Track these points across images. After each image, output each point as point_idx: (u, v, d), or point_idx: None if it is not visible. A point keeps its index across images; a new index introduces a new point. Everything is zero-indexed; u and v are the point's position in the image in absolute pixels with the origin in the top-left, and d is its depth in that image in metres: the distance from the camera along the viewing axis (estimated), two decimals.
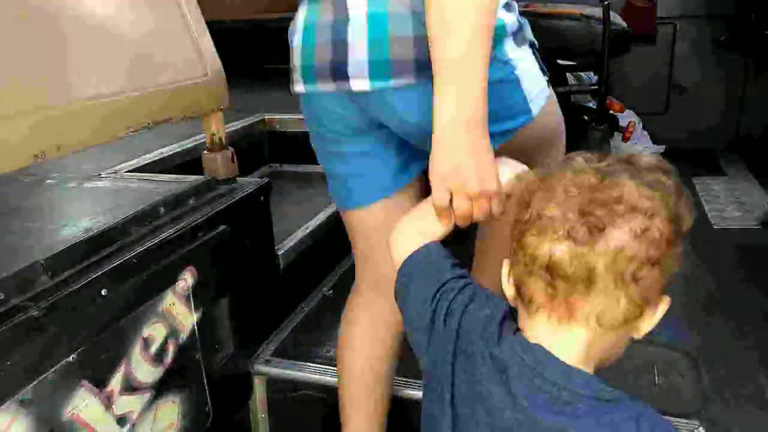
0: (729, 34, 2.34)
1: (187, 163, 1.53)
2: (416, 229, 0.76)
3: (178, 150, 1.55)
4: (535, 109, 0.91)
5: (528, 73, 0.90)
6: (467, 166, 0.72)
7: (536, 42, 0.95)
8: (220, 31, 1.28)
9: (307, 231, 1.50)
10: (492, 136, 0.76)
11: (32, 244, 0.94)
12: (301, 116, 1.90)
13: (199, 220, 1.08)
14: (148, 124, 1.03)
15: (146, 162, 1.44)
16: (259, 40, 2.92)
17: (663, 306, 0.60)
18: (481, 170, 0.73)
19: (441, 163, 0.73)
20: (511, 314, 0.65)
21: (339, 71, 0.83)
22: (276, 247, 1.37)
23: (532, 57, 0.92)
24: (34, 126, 0.84)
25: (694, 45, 2.44)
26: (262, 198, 1.28)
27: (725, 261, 1.73)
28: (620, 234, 0.56)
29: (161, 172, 1.41)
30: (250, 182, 1.27)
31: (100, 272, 0.87)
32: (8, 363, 0.73)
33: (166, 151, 1.53)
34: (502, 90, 0.86)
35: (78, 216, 1.05)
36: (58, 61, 0.91)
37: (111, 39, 1.02)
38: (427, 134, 0.74)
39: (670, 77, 2.45)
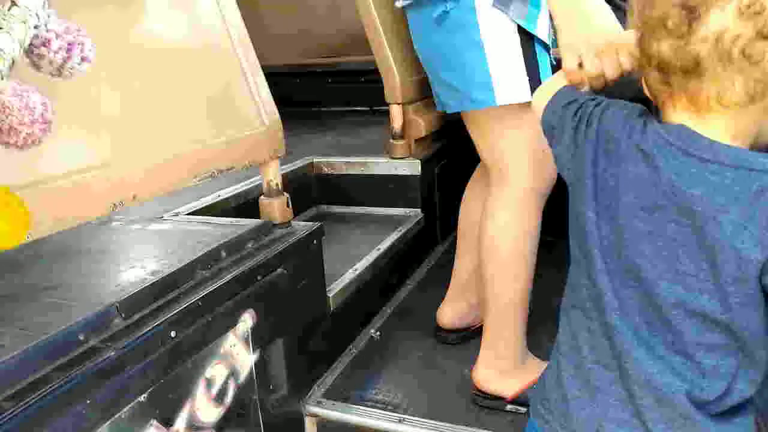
0: None
1: (244, 205, 1.60)
2: (553, 89, 0.83)
3: (235, 193, 1.61)
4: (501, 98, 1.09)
5: (499, 45, 1.08)
6: (587, 28, 0.85)
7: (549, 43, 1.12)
8: (270, 75, 1.34)
9: (356, 273, 1.53)
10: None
11: (104, 285, 1.00)
12: (347, 159, 1.98)
13: (258, 264, 1.13)
14: (213, 173, 1.09)
15: (205, 204, 1.50)
16: (306, 84, 3.05)
17: None
18: (601, 26, 0.85)
19: (566, 32, 0.87)
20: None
21: None
22: (327, 289, 1.41)
23: (517, 36, 1.10)
24: (113, 177, 0.91)
25: None
26: (315, 241, 1.32)
27: None
28: (718, 16, 0.59)
29: (220, 214, 1.47)
30: (303, 226, 1.32)
31: (169, 314, 0.92)
32: (87, 402, 0.78)
33: (224, 194, 1.60)
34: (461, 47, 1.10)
35: (145, 258, 1.11)
36: (135, 117, 0.98)
37: (181, 95, 1.09)
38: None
39: None
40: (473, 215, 1.37)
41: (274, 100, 1.29)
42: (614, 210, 0.69)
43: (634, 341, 0.69)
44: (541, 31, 1.13)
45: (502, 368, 1.25)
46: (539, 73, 1.11)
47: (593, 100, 0.76)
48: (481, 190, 1.37)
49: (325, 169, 2.03)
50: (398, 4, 1.27)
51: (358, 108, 2.96)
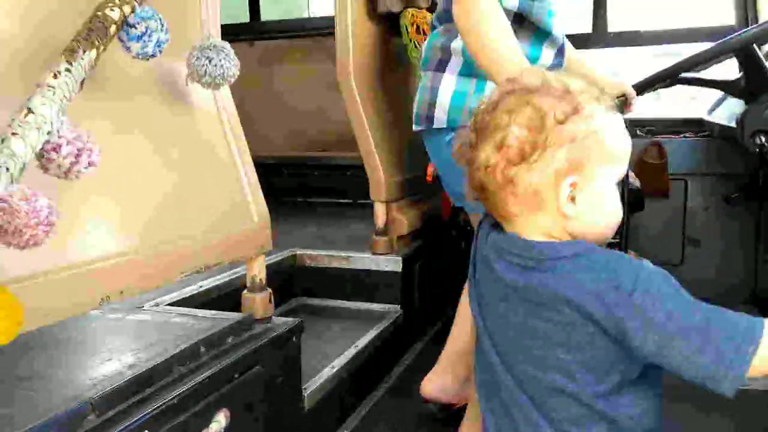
0: (739, 191, 2.45)
1: (226, 296, 1.60)
2: None
3: (217, 284, 1.62)
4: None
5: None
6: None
7: None
8: (258, 165, 1.38)
9: (333, 371, 1.52)
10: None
11: (79, 378, 0.99)
12: (329, 252, 2.00)
13: (236, 361, 1.13)
14: (200, 269, 1.11)
15: (187, 295, 1.51)
16: (292, 175, 3.13)
17: (564, 185, 0.73)
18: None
19: None
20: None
21: None
22: (303, 387, 1.39)
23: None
24: (101, 273, 0.92)
25: (705, 201, 2.55)
26: (294, 338, 1.32)
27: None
28: (484, 149, 0.75)
29: (201, 305, 1.47)
30: (283, 322, 1.33)
31: (145, 413, 0.91)
32: None
33: (206, 284, 1.60)
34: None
35: (122, 350, 1.10)
36: (128, 212, 1.01)
37: (174, 190, 1.13)
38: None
39: (684, 230, 2.54)
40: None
41: (261, 189, 1.33)
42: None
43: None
44: None
45: None
46: None
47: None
48: None
49: (308, 261, 2.05)
50: (415, 129, 1.46)
51: (342, 200, 3.03)
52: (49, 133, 0.72)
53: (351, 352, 1.62)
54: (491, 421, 0.84)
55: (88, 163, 0.74)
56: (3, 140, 0.67)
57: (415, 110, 1.44)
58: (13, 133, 0.68)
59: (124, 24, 0.87)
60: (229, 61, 1.05)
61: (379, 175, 1.95)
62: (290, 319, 1.34)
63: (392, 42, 2.17)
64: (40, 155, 0.72)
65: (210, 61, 1.03)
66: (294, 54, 3.14)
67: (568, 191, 0.73)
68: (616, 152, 0.76)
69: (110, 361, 1.04)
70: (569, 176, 0.72)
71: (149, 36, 0.88)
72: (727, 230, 2.51)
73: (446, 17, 1.35)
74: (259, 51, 3.18)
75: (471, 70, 1.32)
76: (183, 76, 1.08)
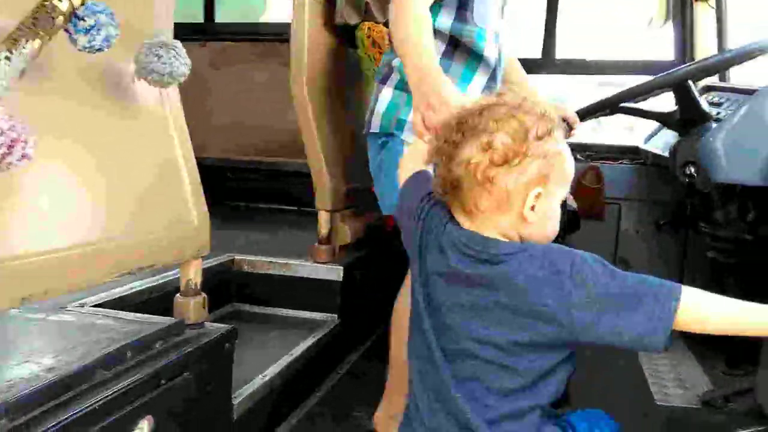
0: (669, 218, 2.57)
1: (157, 299, 1.55)
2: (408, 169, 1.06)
3: (149, 286, 1.57)
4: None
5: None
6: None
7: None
8: (203, 167, 1.35)
9: (265, 379, 1.50)
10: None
11: None
12: (269, 259, 1.97)
13: (164, 367, 1.09)
14: (133, 271, 1.07)
15: (115, 297, 1.45)
16: (237, 179, 3.08)
17: (531, 194, 0.83)
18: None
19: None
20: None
21: None
22: (232, 396, 1.36)
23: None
24: (22, 270, 0.88)
25: (637, 225, 2.66)
26: (227, 345, 1.29)
27: None
28: (468, 149, 0.83)
29: (130, 307, 1.42)
30: (216, 328, 1.29)
31: (62, 418, 0.87)
32: None
33: (137, 285, 1.55)
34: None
35: (41, 352, 1.05)
36: (57, 207, 0.96)
37: (110, 185, 1.08)
38: None
39: (616, 252, 2.64)
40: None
41: (204, 192, 1.30)
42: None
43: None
44: None
45: None
46: None
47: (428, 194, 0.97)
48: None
49: (246, 267, 2.02)
50: (364, 131, 1.58)
51: (287, 207, 3.00)
52: None
53: (285, 360, 1.60)
54: (419, 389, 0.92)
55: (22, 155, 0.71)
56: None
57: (366, 117, 1.58)
58: None
59: (73, 16, 0.83)
60: (179, 60, 1.03)
61: (325, 184, 1.95)
62: (223, 326, 1.31)
63: (347, 53, 2.17)
64: None
65: (159, 59, 1.01)
66: (246, 57, 3.10)
67: (533, 200, 0.83)
68: (567, 174, 0.87)
69: (27, 363, 0.99)
70: (537, 187, 0.83)
71: (98, 30, 0.85)
72: (655, 254, 2.63)
73: None
74: (211, 52, 3.12)
75: (405, 85, 1.38)
76: (130, 73, 1.05)
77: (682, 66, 1.87)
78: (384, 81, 1.53)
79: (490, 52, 1.48)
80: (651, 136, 2.52)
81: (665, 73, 1.81)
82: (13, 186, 0.87)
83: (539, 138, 0.83)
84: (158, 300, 1.55)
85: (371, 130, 1.54)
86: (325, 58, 2.04)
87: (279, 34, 2.80)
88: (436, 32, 1.37)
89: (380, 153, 1.52)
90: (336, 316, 1.95)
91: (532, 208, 0.83)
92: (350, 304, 2.03)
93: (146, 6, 1.12)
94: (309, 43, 1.92)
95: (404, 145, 1.43)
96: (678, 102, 1.84)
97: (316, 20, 1.98)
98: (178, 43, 1.05)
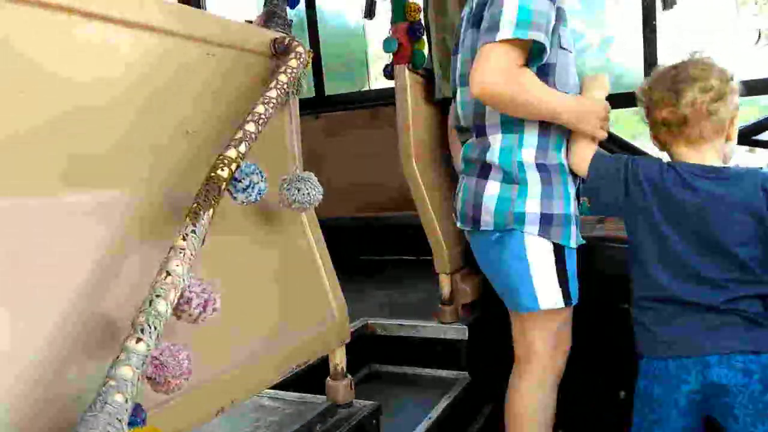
0: None
1: (305, 376, 1.75)
2: (586, 155, 1.49)
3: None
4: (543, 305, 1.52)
5: (540, 264, 1.47)
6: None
7: None
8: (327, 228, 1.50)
9: None
10: None
11: None
12: (399, 321, 2.12)
13: None
14: (293, 368, 1.26)
15: None
16: (358, 234, 3.29)
17: (735, 120, 1.36)
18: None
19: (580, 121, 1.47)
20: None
21: None
22: None
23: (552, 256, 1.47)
24: (218, 386, 1.08)
25: None
26: (374, 421, 1.45)
27: None
28: (691, 93, 1.30)
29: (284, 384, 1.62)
30: (363, 406, 1.46)
31: None
32: None
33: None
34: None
35: None
36: (238, 330, 1.16)
37: (271, 302, 1.28)
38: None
39: None
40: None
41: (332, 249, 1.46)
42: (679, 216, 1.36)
43: None
44: (574, 240, 1.43)
45: None
46: (568, 282, 1.44)
47: (624, 156, 1.45)
48: None
49: (379, 331, 2.19)
50: (459, 226, 1.63)
51: (405, 257, 3.17)
52: (181, 289, 0.89)
53: (425, 425, 1.73)
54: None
55: (213, 310, 0.91)
56: (150, 302, 0.84)
57: (459, 209, 1.59)
58: (157, 295, 0.85)
59: (232, 179, 1.04)
60: (315, 189, 1.22)
61: (442, 248, 2.08)
62: (369, 403, 1.47)
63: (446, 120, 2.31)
64: (175, 308, 0.89)
65: (299, 191, 1.20)
66: (356, 123, 3.33)
67: (735, 123, 1.34)
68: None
69: None
70: (736, 113, 1.33)
71: (252, 187, 1.05)
72: None
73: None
74: (327, 121, 3.40)
75: (512, 177, 1.45)
76: (276, 202, 1.24)
77: None
78: (482, 175, 1.51)
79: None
80: None
81: None
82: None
83: (732, 79, 1.30)
84: (305, 377, 1.74)
85: (482, 228, 1.51)
86: (429, 132, 2.20)
87: (384, 99, 3.00)
88: None
89: (495, 250, 1.51)
90: (466, 373, 2.07)
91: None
92: (478, 360, 2.13)
93: (283, 149, 1.32)
94: (413, 121, 2.09)
95: (526, 237, 1.43)
96: None
97: (418, 98, 2.15)
98: (312, 175, 1.24)
